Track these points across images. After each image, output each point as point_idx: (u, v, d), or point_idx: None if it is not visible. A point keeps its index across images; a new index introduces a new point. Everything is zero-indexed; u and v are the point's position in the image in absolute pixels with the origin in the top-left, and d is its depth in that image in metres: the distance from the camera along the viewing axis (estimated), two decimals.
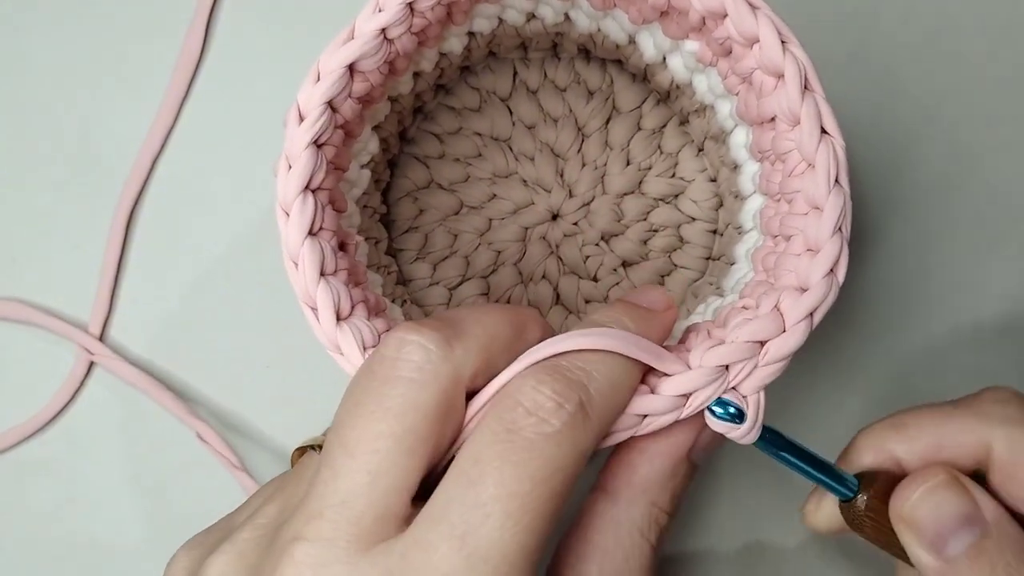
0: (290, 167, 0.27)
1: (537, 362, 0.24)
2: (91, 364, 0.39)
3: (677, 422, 0.25)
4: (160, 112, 0.40)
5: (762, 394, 0.25)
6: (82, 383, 0.39)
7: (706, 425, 0.26)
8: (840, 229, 0.25)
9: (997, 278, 0.38)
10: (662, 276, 0.36)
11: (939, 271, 0.38)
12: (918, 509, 0.26)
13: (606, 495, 0.27)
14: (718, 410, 0.25)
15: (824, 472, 0.28)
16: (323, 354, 0.27)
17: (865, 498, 0.28)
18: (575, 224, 0.37)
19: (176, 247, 0.40)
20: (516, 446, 0.22)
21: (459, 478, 0.22)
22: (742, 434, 0.25)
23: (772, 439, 0.27)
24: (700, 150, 0.36)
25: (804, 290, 0.25)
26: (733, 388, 0.25)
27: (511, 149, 0.37)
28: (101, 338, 0.40)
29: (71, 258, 0.40)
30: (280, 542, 0.23)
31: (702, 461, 0.28)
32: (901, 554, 0.27)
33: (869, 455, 0.29)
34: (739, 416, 0.25)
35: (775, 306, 0.25)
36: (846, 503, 0.28)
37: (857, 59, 0.39)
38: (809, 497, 0.31)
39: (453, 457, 0.24)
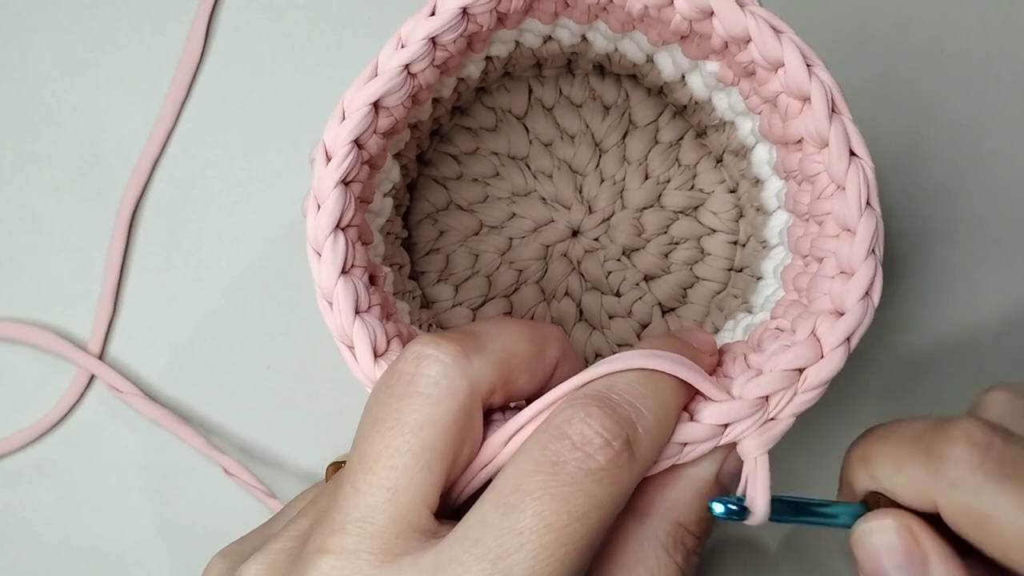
0: (319, 207, 0.27)
1: (587, 383, 0.24)
2: (91, 378, 0.40)
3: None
4: (161, 114, 0.40)
5: (766, 456, 0.26)
6: (82, 395, 0.40)
7: (733, 450, 0.26)
8: (873, 251, 0.25)
9: (997, 278, 0.39)
10: (684, 289, 0.36)
11: (939, 272, 0.39)
12: (867, 555, 0.26)
13: (634, 515, 0.27)
14: (718, 508, 0.25)
15: (829, 516, 0.27)
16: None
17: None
18: (596, 240, 0.37)
19: (178, 250, 0.40)
20: (558, 479, 0.22)
21: (498, 504, 0.22)
22: (753, 523, 0.25)
23: (780, 510, 0.26)
24: (719, 161, 0.36)
25: (840, 314, 0.25)
26: (772, 418, 0.25)
27: (529, 167, 0.37)
28: (102, 352, 0.40)
29: (72, 260, 0.40)
30: (307, 554, 0.23)
31: (731, 483, 0.28)
32: None
33: (858, 487, 0.28)
34: (739, 513, 0.25)
35: (812, 331, 0.26)
36: None
37: (857, 63, 0.39)
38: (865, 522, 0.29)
39: (479, 474, 0.25)
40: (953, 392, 0.38)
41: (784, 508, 0.26)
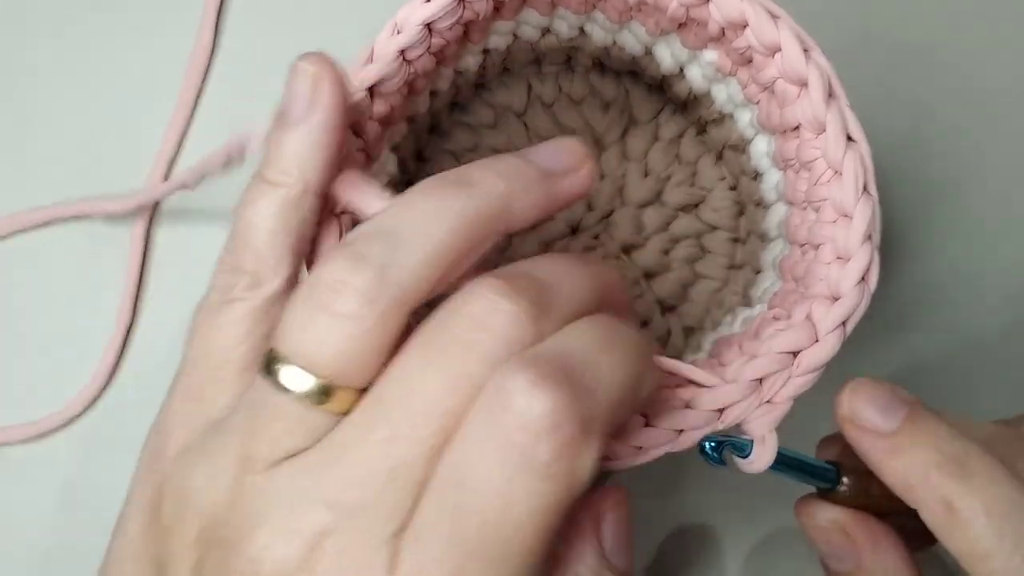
0: None
1: None
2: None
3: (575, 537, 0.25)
4: (173, 116, 0.40)
5: (775, 434, 0.25)
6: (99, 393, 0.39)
7: (607, 519, 0.25)
8: (870, 236, 0.25)
9: (997, 277, 0.38)
10: (685, 286, 0.36)
11: (939, 272, 0.38)
12: (854, 405, 0.25)
13: None
14: (707, 446, 0.25)
15: (809, 472, 0.27)
16: None
17: (847, 481, 0.27)
18: (596, 237, 0.36)
19: (196, 250, 0.39)
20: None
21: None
22: (756, 470, 0.25)
23: (780, 460, 0.26)
24: (719, 158, 0.36)
25: (836, 299, 0.25)
26: (768, 401, 0.25)
27: None
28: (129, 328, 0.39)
29: (91, 260, 0.40)
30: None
31: (620, 558, 0.26)
32: (893, 507, 0.27)
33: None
34: (720, 460, 0.25)
35: (807, 316, 0.25)
36: (829, 491, 0.28)
37: (857, 62, 0.39)
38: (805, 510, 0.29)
39: None
40: (954, 392, 0.37)
41: (783, 460, 0.26)
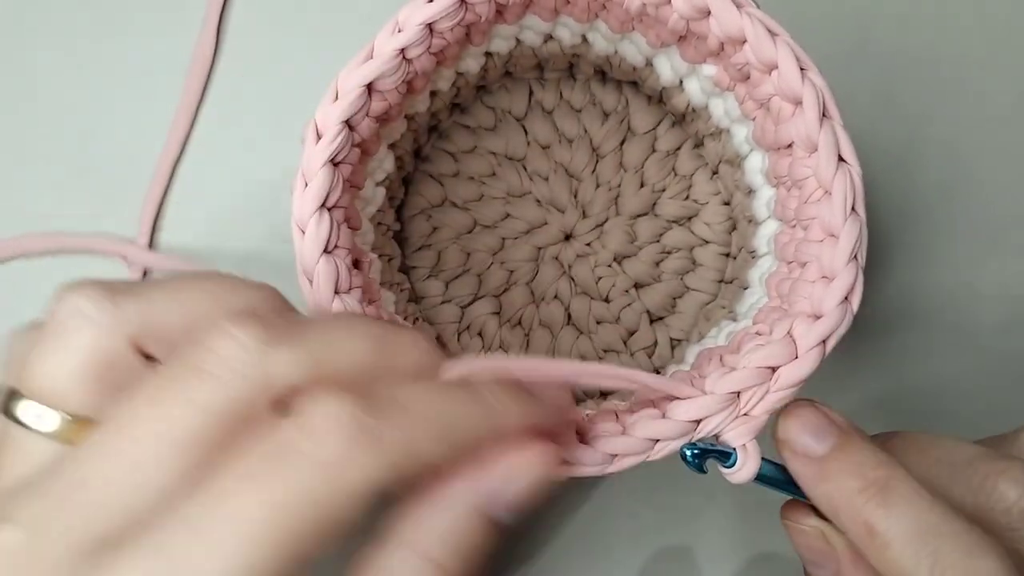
0: (306, 185, 0.27)
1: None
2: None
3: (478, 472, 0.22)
4: (176, 117, 0.40)
5: (755, 442, 0.26)
6: None
7: (514, 481, 0.22)
8: (855, 257, 0.25)
9: (996, 278, 0.38)
10: (674, 298, 0.36)
11: (938, 275, 0.38)
12: (789, 430, 0.26)
13: (378, 542, 0.22)
14: (688, 454, 0.26)
15: (796, 485, 0.27)
16: None
17: None
18: (588, 245, 0.37)
19: (201, 249, 0.40)
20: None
21: None
22: (741, 479, 0.25)
23: (761, 471, 0.27)
24: (714, 173, 0.36)
25: (818, 317, 0.25)
26: (745, 414, 0.25)
27: (525, 168, 0.37)
28: None
29: (95, 263, 0.40)
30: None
31: (509, 520, 0.23)
32: None
33: None
34: (700, 467, 0.26)
35: (788, 332, 0.25)
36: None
37: (857, 63, 0.39)
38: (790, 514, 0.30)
39: None
40: (953, 393, 0.37)
41: (770, 472, 0.27)
